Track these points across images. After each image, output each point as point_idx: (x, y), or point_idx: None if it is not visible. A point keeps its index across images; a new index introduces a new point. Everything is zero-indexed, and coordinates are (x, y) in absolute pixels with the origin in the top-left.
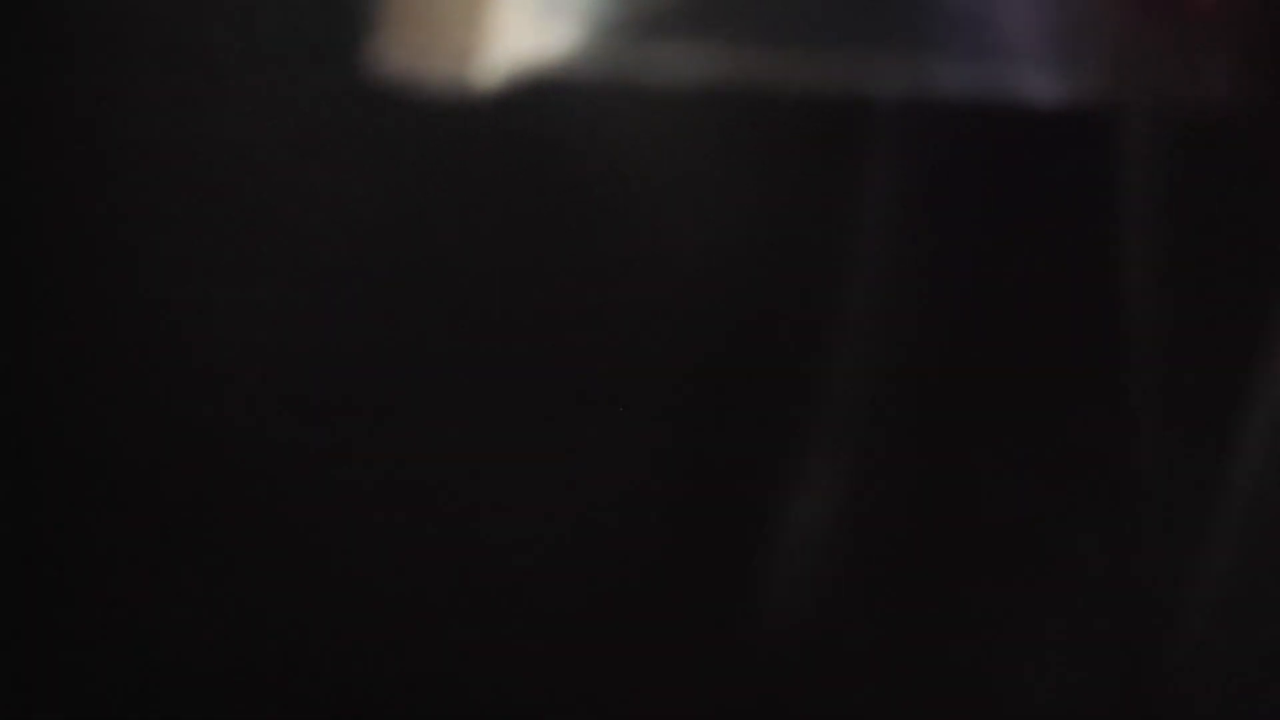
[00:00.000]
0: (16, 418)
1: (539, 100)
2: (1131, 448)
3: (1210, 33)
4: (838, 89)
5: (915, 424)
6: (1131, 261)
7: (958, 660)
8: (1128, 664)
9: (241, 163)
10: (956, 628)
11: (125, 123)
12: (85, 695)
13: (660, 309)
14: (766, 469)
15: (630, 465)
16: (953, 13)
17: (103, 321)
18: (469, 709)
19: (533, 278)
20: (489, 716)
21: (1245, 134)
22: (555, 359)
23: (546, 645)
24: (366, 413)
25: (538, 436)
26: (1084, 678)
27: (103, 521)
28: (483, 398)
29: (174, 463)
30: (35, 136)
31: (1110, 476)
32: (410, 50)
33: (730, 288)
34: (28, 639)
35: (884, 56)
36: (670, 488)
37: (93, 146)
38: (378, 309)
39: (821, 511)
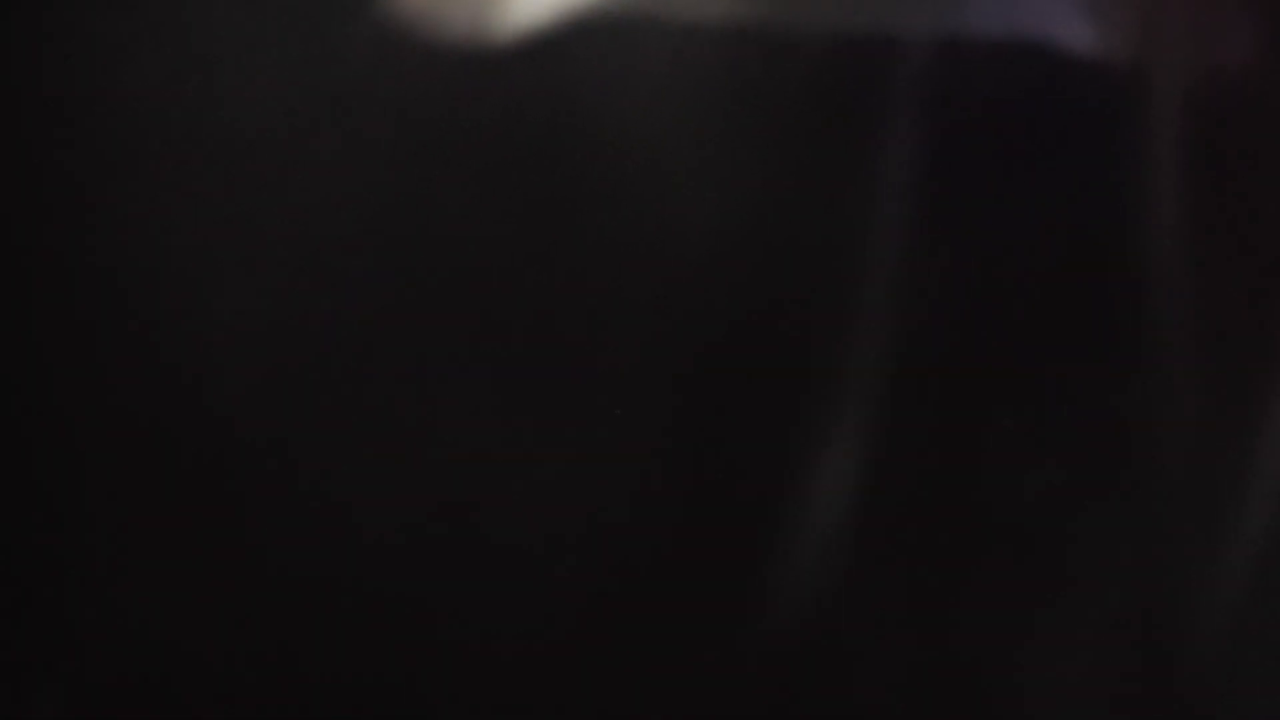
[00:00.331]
0: (9, 402)
1: (557, 48)
2: (1156, 429)
3: None
4: (864, 31)
5: (933, 403)
6: (1156, 224)
7: (975, 650)
8: (1150, 655)
9: (251, 119)
10: (974, 618)
11: (131, 79)
12: (75, 691)
13: (679, 272)
14: (779, 451)
15: (639, 447)
16: None
17: (105, 294)
18: (467, 705)
19: (552, 236)
20: (489, 713)
21: (1271, 92)
22: (571, 329)
23: (553, 635)
24: (373, 389)
25: (545, 417)
26: (1105, 668)
27: (98, 513)
28: (491, 377)
29: (172, 448)
30: (34, 104)
31: (1134, 461)
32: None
33: (752, 243)
34: (20, 636)
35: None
36: (680, 470)
37: (98, 114)
38: (391, 274)
39: (837, 496)
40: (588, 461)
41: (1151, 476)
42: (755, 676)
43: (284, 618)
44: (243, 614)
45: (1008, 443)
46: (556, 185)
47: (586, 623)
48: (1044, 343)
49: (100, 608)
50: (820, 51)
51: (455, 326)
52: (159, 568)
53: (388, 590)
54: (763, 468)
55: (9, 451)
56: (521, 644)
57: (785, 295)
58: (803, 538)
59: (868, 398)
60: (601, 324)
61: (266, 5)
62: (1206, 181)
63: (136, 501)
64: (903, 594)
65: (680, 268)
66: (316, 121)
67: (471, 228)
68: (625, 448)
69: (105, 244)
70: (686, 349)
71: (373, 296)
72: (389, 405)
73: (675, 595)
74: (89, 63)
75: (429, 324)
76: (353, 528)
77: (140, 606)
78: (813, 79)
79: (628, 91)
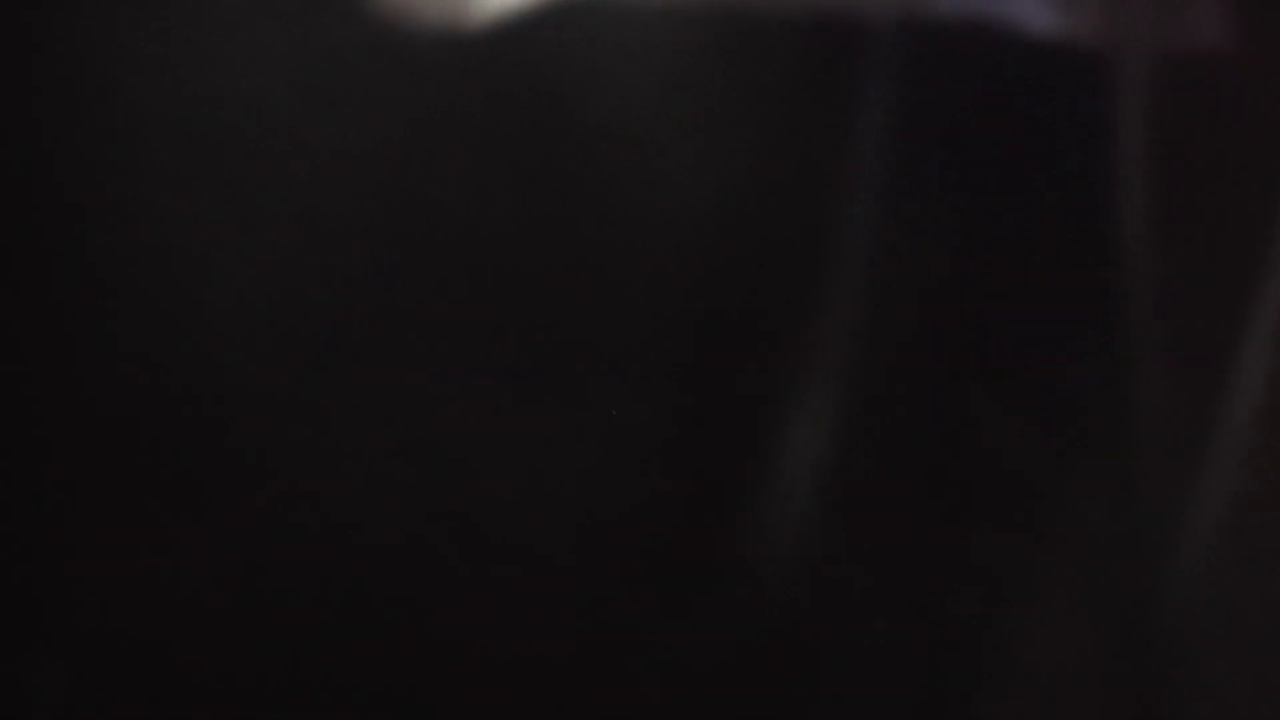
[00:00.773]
0: (10, 401)
1: (535, 33)
2: (1127, 390)
3: None
4: (835, 13)
5: (910, 380)
6: (1124, 201)
7: (952, 606)
8: (1125, 609)
9: (238, 113)
10: (951, 575)
11: (122, 71)
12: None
13: (656, 245)
14: (761, 429)
15: (629, 416)
16: None
17: (104, 274)
18: (458, 694)
19: (534, 218)
20: (479, 704)
21: (1234, 73)
22: (556, 302)
23: (548, 591)
24: (368, 362)
25: (534, 400)
26: (1081, 622)
27: (98, 512)
28: (482, 345)
29: (171, 444)
30: (37, 86)
31: (1105, 420)
32: None
33: (727, 218)
34: (23, 627)
35: None
36: (665, 438)
37: (90, 98)
38: (377, 262)
39: (816, 458)
40: (576, 442)
41: (1123, 449)
42: (739, 652)
43: (283, 616)
44: (242, 613)
45: (984, 417)
46: (538, 167)
47: (582, 567)
48: (1016, 319)
49: (101, 602)
50: (792, 33)
51: (441, 309)
52: (159, 564)
53: (383, 587)
54: (745, 446)
55: (9, 449)
56: (511, 627)
57: (763, 272)
58: (786, 514)
59: (845, 376)
60: (584, 304)
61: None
62: (1171, 160)
63: (137, 499)
64: (885, 568)
65: (659, 247)
66: (301, 113)
67: (458, 212)
68: (612, 424)
69: (95, 236)
70: (668, 329)
71: (362, 286)
72: (379, 393)
73: (661, 542)
74: (87, 60)
75: (416, 309)
76: (349, 524)
77: (141, 602)
78: (785, 60)
79: (603, 74)
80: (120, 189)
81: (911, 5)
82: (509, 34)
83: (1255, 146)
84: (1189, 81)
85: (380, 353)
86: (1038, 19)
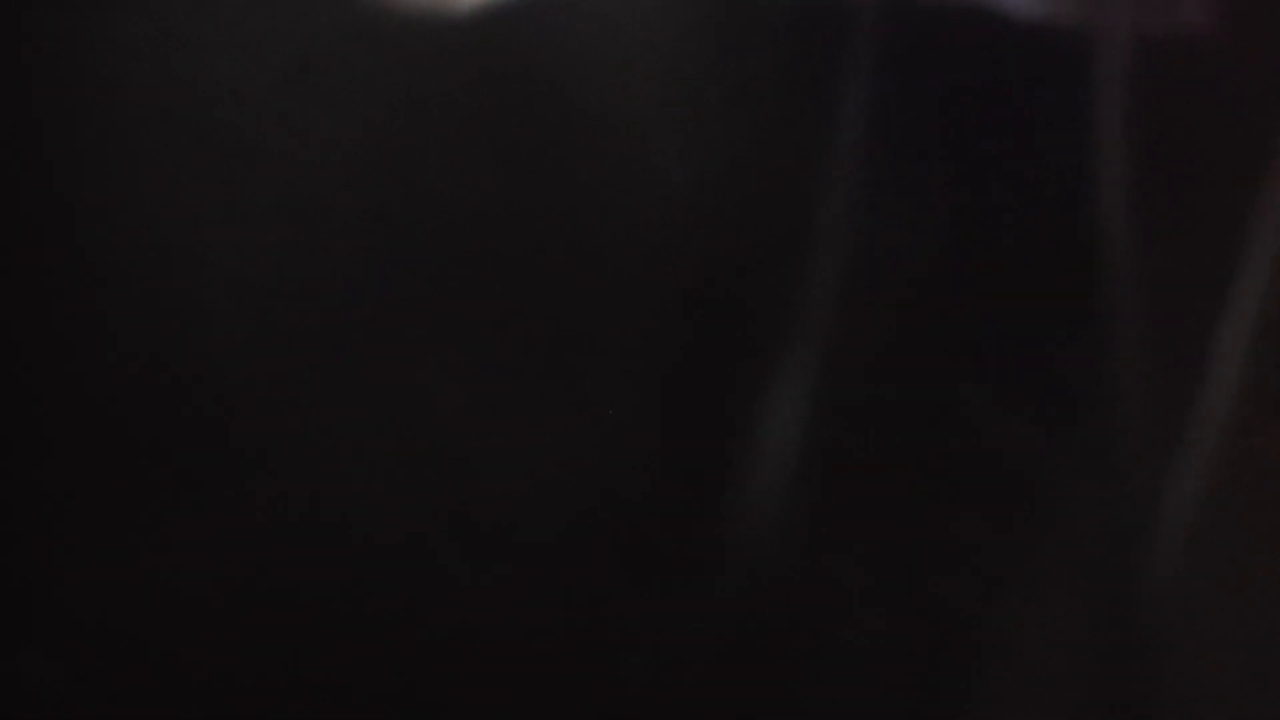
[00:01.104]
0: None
1: (522, 20)
2: (1112, 379)
3: None
4: None
5: (896, 357)
6: (1106, 183)
7: (942, 598)
8: (1112, 598)
9: (233, 98)
10: (941, 567)
11: (113, 63)
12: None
13: (645, 231)
14: (738, 398)
15: (622, 409)
16: None
17: (98, 268)
18: (454, 658)
19: (522, 204)
20: (472, 665)
21: (1217, 59)
22: (545, 289)
23: (526, 574)
24: (360, 351)
25: (523, 373)
26: (1069, 611)
27: (96, 509)
28: (473, 330)
29: (168, 440)
30: (30, 74)
31: (1091, 410)
32: None
33: (716, 205)
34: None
35: None
36: (660, 431)
37: (82, 90)
38: (369, 249)
39: (806, 449)
40: (569, 435)
41: (1109, 438)
42: (734, 646)
43: (281, 613)
44: (241, 611)
45: (971, 408)
46: (527, 152)
47: (569, 598)
48: (1002, 308)
49: (100, 601)
50: (777, 18)
51: (431, 296)
52: (158, 562)
53: (379, 581)
54: (738, 439)
55: (9, 449)
56: (508, 623)
57: (751, 262)
58: (778, 507)
59: (832, 367)
60: (573, 292)
61: None
62: (1155, 146)
63: (135, 498)
64: (874, 560)
65: (649, 233)
66: (293, 102)
67: (448, 198)
68: (606, 418)
69: (88, 230)
70: (660, 320)
71: (353, 275)
72: (371, 382)
73: (654, 575)
74: (78, 51)
75: (406, 297)
76: (344, 518)
77: (140, 600)
78: (770, 45)
79: (591, 59)
80: (112, 182)
81: None
82: (497, 19)
83: (1238, 132)
84: (1172, 67)
85: (372, 341)
86: (1022, 4)
